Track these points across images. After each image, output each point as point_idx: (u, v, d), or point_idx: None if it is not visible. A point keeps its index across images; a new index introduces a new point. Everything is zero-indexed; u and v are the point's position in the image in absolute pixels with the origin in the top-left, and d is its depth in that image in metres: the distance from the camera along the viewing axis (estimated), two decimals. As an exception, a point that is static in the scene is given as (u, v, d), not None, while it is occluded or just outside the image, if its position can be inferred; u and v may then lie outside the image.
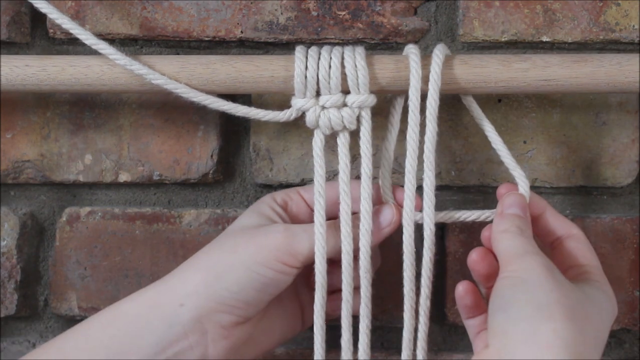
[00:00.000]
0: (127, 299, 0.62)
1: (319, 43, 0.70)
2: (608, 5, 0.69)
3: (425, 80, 0.63)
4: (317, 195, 0.63)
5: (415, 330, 0.65)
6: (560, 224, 0.64)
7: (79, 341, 0.60)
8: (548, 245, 0.65)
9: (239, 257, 0.60)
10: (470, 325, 0.63)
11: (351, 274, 0.63)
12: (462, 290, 0.62)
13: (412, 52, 0.63)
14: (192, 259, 0.63)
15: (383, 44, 0.71)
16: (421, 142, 0.64)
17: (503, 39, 0.70)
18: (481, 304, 0.62)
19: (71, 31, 0.64)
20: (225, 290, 0.60)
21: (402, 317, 0.64)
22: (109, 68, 0.64)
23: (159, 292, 0.61)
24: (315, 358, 0.64)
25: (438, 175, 0.72)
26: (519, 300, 0.54)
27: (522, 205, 0.62)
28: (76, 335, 0.61)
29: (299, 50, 0.63)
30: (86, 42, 0.64)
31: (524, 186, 0.64)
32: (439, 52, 0.63)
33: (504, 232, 0.60)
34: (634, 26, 0.69)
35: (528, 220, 0.62)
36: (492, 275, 0.60)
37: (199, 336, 0.60)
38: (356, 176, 0.66)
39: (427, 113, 0.63)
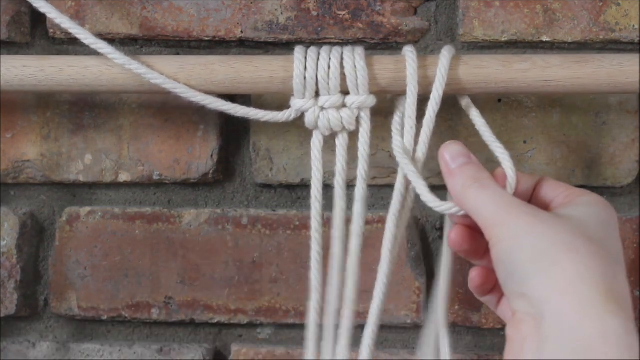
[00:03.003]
0: None
1: (319, 43, 0.70)
2: (608, 5, 0.69)
3: (424, 80, 0.62)
4: (314, 199, 0.62)
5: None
6: (529, 181, 0.63)
7: None
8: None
9: None
10: (488, 300, 0.62)
11: (338, 284, 0.61)
12: (474, 275, 0.61)
13: (409, 52, 0.63)
14: None
15: (383, 44, 0.71)
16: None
17: (503, 39, 0.70)
18: (489, 279, 0.62)
19: (70, 31, 0.64)
20: None
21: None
22: (108, 68, 0.64)
23: None
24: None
25: (438, 175, 0.72)
26: (519, 261, 0.54)
27: (461, 151, 0.61)
28: None
29: (298, 50, 0.63)
30: (85, 41, 0.63)
31: (508, 164, 0.61)
32: (446, 53, 0.62)
33: (464, 190, 0.59)
34: (634, 26, 0.69)
35: (475, 161, 0.60)
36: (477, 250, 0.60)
37: None
38: None
39: (427, 115, 0.62)
